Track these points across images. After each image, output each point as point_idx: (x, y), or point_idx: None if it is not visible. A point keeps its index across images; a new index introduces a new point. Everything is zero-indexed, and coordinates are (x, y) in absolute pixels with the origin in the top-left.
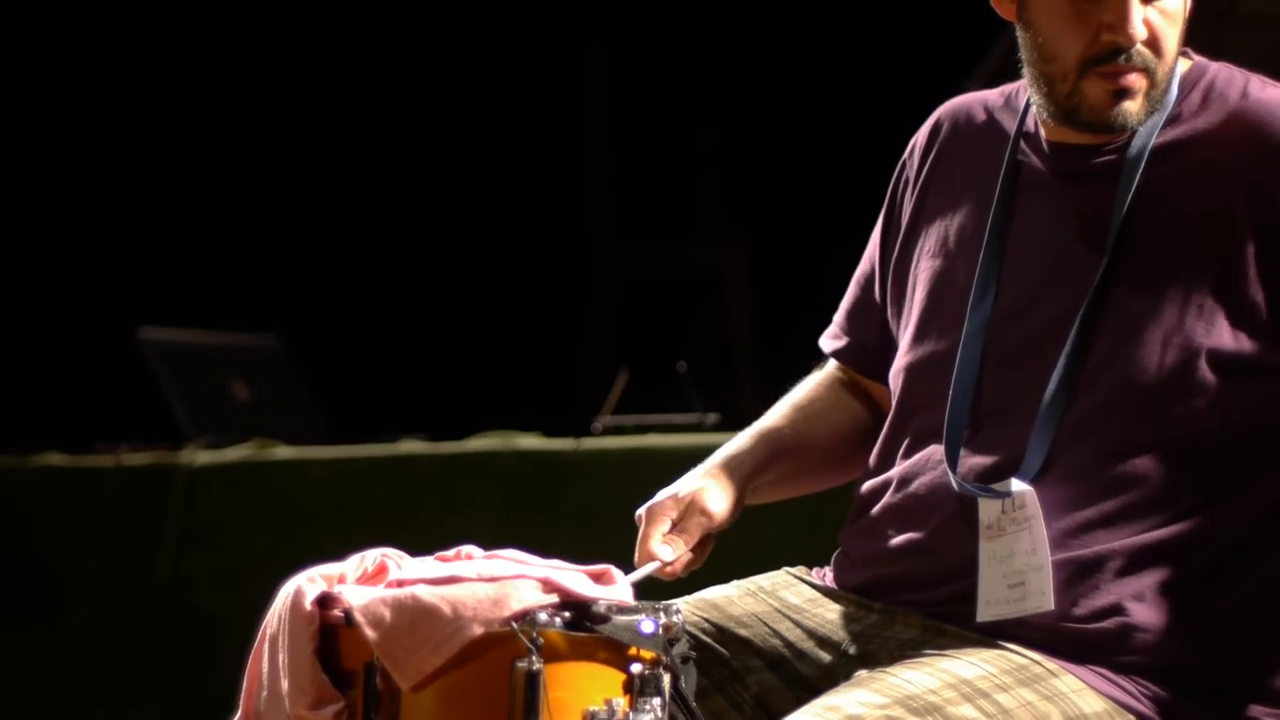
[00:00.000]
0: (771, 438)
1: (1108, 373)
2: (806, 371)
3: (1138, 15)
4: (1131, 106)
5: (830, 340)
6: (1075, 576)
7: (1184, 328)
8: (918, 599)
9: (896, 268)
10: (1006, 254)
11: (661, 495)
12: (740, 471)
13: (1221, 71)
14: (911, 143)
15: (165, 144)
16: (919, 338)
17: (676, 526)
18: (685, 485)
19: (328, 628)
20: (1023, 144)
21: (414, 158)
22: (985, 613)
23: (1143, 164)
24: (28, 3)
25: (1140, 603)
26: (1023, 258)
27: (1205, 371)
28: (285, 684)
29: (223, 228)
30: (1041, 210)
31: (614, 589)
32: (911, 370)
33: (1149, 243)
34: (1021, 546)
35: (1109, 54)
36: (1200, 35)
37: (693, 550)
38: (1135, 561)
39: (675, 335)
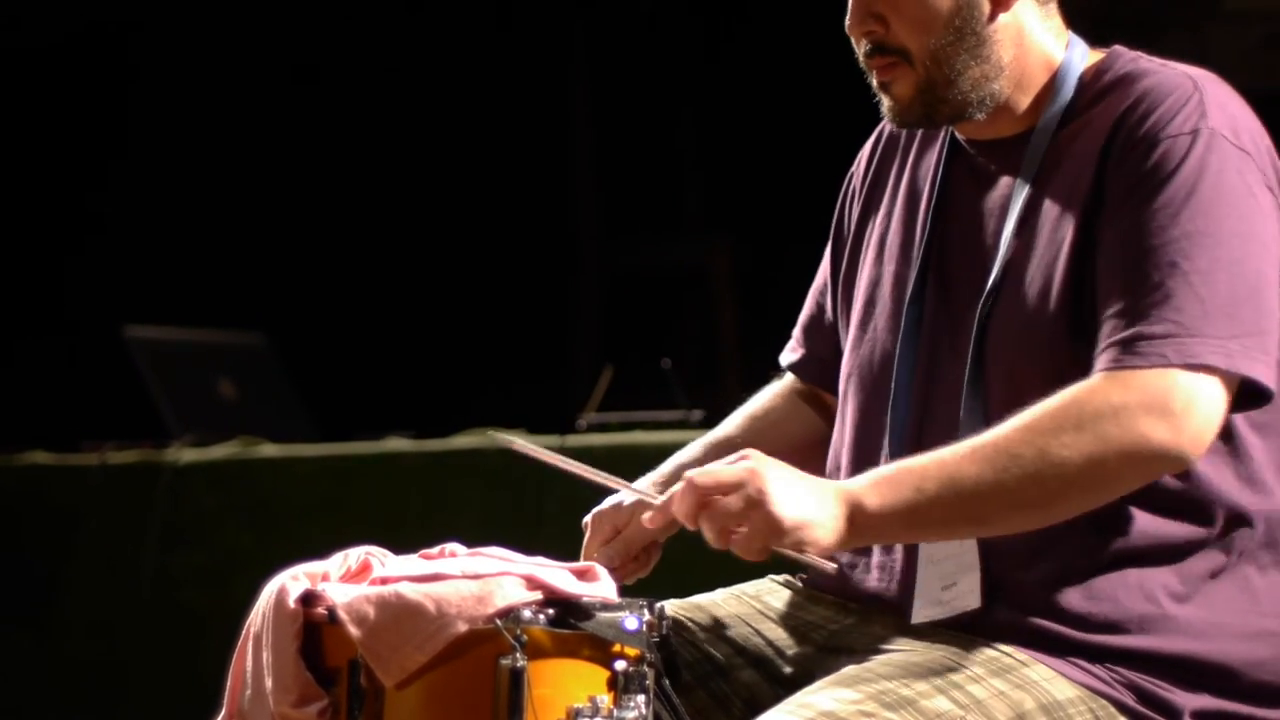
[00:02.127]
0: (723, 446)
1: (1000, 371)
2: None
3: (857, 7)
4: (894, 97)
5: (788, 353)
6: (1017, 569)
7: (1060, 315)
8: (881, 599)
9: (845, 280)
10: (938, 257)
11: (607, 503)
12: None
13: (1128, 62)
14: (858, 155)
15: (151, 142)
16: (857, 345)
17: (620, 535)
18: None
19: (311, 625)
20: (950, 146)
21: (399, 156)
22: (919, 614)
23: (1040, 158)
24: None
25: (1079, 587)
26: (952, 259)
27: (1084, 353)
28: (269, 682)
29: (209, 226)
30: (966, 210)
31: (598, 586)
32: (852, 378)
33: (1035, 235)
34: (951, 548)
35: (863, 49)
36: (1187, 30)
37: (636, 559)
38: (1065, 546)
39: (660, 332)
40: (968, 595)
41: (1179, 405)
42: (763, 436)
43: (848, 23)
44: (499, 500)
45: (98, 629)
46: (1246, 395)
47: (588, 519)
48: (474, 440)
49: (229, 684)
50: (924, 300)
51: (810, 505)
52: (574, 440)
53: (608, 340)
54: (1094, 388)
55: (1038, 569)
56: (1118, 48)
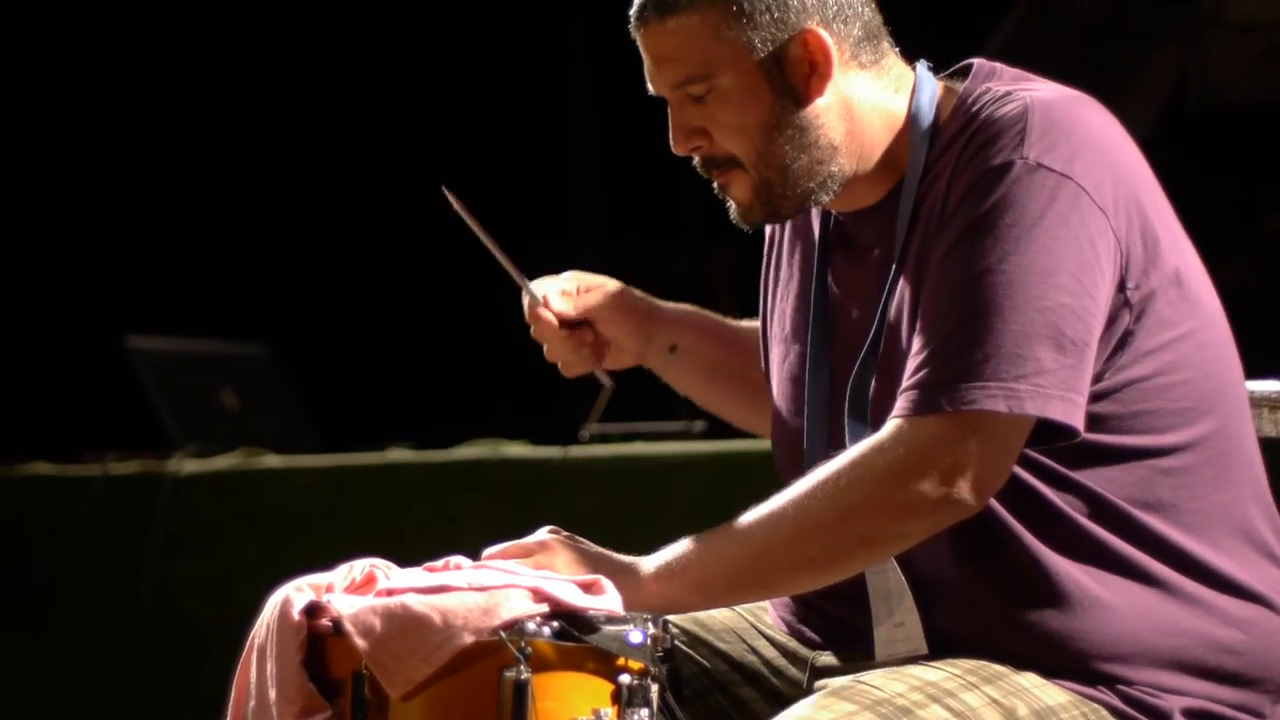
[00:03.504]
0: (707, 316)
1: None
2: None
3: (678, 128)
4: (735, 200)
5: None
6: (952, 618)
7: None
8: (855, 629)
9: (764, 344)
10: (828, 333)
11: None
12: (657, 307)
13: (978, 97)
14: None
15: (153, 152)
16: (776, 424)
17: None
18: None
19: (315, 637)
20: (825, 219)
21: (401, 165)
22: (881, 651)
23: (907, 220)
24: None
25: (1018, 631)
26: (840, 332)
27: None
28: (273, 693)
29: (211, 236)
30: (847, 284)
31: (603, 599)
32: (777, 460)
33: (904, 300)
34: (890, 587)
35: (696, 163)
36: (1188, 41)
37: (592, 340)
38: (986, 595)
39: None
40: (915, 638)
41: (949, 458)
42: (744, 340)
43: (671, 142)
44: (500, 511)
45: (99, 639)
46: (1053, 431)
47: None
48: (476, 451)
49: (233, 695)
50: (822, 377)
51: (593, 570)
52: (576, 451)
53: None
54: (874, 444)
55: (969, 617)
56: (975, 68)
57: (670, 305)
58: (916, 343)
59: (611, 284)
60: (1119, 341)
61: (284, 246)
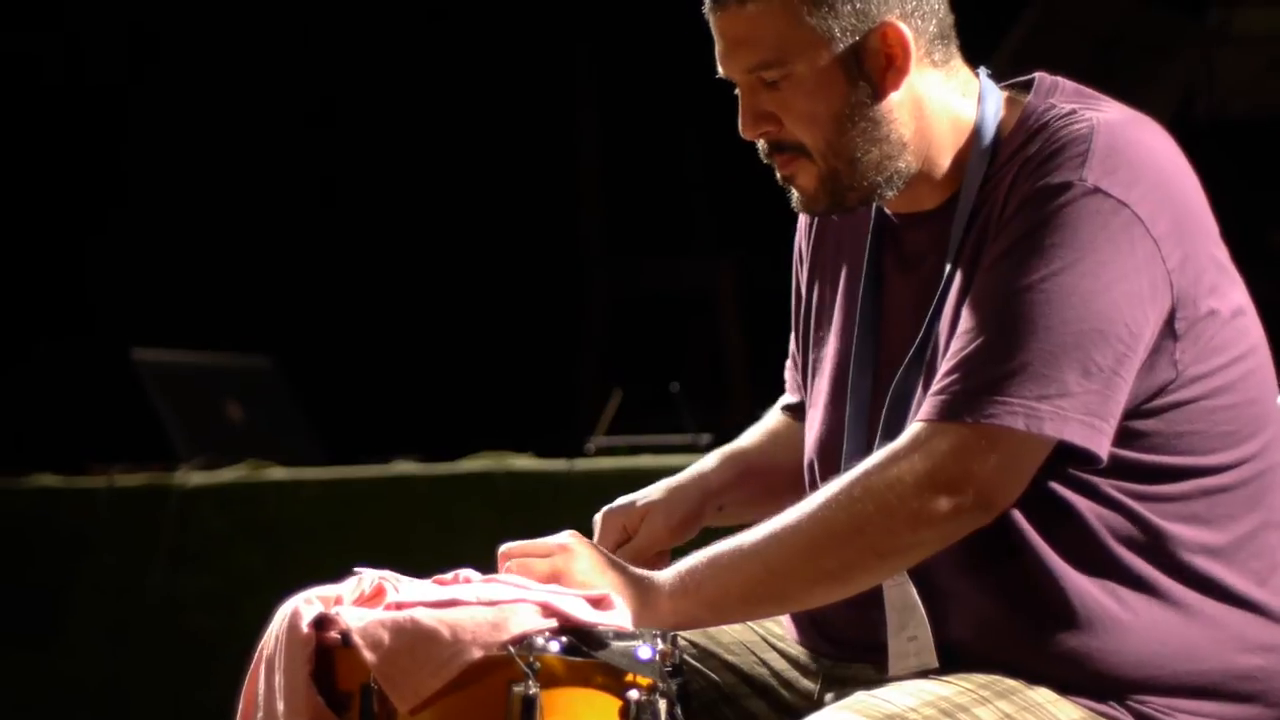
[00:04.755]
0: (739, 458)
1: None
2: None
3: (747, 111)
4: (799, 189)
5: (787, 396)
6: (962, 631)
7: None
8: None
9: (803, 345)
10: (874, 337)
11: (621, 501)
12: (704, 488)
13: (1042, 114)
14: (800, 219)
15: (157, 164)
16: (814, 426)
17: (630, 543)
18: (645, 496)
19: (324, 649)
20: (878, 219)
21: (405, 177)
22: (894, 665)
23: (961, 231)
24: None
25: (1034, 648)
26: (888, 337)
27: None
28: (281, 705)
29: (216, 248)
30: (896, 289)
31: (613, 614)
32: (814, 464)
33: (951, 305)
34: (904, 600)
35: (761, 149)
36: (1196, 54)
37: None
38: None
39: (668, 355)
40: (925, 652)
41: (963, 468)
42: (777, 449)
43: (740, 127)
44: (506, 524)
45: (105, 652)
46: (1075, 454)
47: (598, 516)
48: (482, 464)
49: (240, 707)
50: (865, 382)
51: (604, 585)
52: (582, 464)
53: (616, 363)
54: (890, 451)
55: (985, 631)
56: (1037, 82)
57: (710, 474)
58: (953, 348)
59: (664, 521)
60: (1167, 365)
61: (290, 259)
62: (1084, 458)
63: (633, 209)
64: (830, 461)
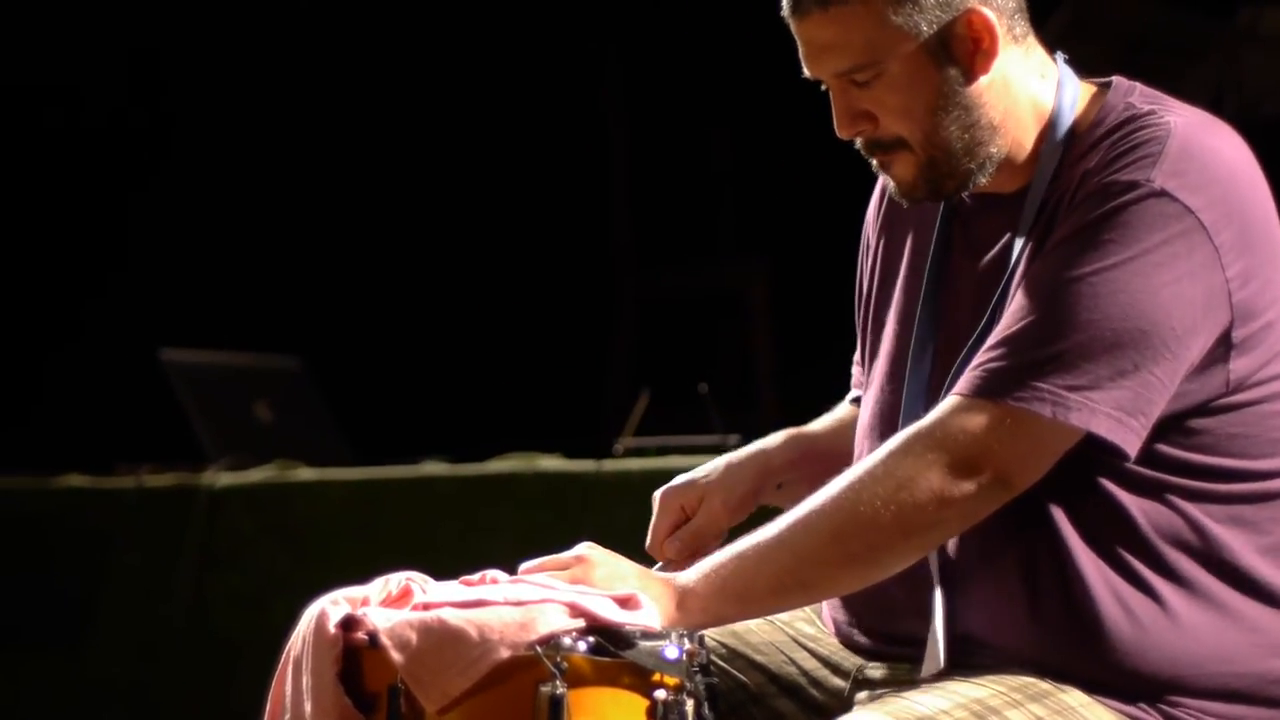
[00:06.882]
0: (803, 439)
1: None
2: (828, 392)
3: (843, 112)
4: (897, 178)
5: (855, 388)
6: (985, 632)
7: None
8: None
9: (865, 334)
10: (938, 321)
11: (680, 480)
12: (764, 465)
13: (1121, 111)
14: (869, 205)
15: (187, 165)
16: (868, 406)
17: (689, 524)
18: (705, 474)
19: (351, 650)
20: (947, 207)
21: (435, 180)
22: (926, 665)
23: (1031, 221)
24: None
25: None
26: (954, 321)
27: None
28: (308, 706)
29: (245, 249)
30: (964, 274)
31: (640, 614)
32: (866, 442)
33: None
34: (934, 598)
35: (859, 145)
36: (1225, 56)
37: (695, 554)
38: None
39: (697, 356)
40: (934, 657)
41: (985, 445)
42: (843, 435)
43: (836, 127)
44: (534, 525)
45: (132, 653)
46: (1104, 448)
47: (657, 494)
48: (510, 465)
49: (268, 708)
50: (924, 364)
51: (631, 586)
52: (610, 465)
53: (644, 364)
54: (920, 426)
55: (1020, 627)
56: (1115, 83)
57: (772, 452)
58: (999, 327)
59: (723, 502)
60: (1221, 375)
61: (318, 260)
62: (1113, 452)
63: (662, 212)
64: (886, 433)
